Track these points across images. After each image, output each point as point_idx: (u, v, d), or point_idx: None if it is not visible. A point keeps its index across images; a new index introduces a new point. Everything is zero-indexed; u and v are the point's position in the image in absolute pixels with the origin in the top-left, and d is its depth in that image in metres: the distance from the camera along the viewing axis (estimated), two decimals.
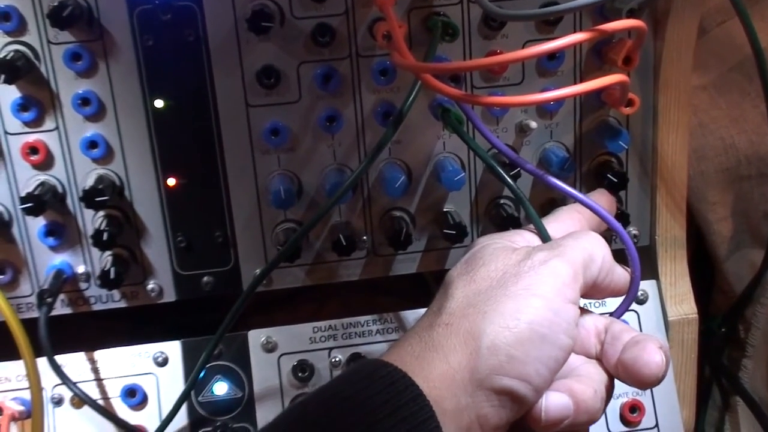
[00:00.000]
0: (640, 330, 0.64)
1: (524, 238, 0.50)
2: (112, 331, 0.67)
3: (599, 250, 0.47)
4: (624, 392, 0.63)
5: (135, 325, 0.69)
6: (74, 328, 0.64)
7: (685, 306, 0.64)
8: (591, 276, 0.47)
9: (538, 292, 0.44)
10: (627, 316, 0.64)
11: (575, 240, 0.47)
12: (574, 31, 0.58)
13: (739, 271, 0.72)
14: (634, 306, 0.64)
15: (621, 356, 0.46)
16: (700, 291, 0.74)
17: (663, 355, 0.45)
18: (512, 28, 0.58)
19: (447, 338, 0.44)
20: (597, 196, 0.57)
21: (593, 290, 0.48)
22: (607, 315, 0.50)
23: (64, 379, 0.58)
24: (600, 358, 0.47)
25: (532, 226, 0.51)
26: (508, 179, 0.53)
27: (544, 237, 0.50)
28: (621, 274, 0.49)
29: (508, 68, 0.59)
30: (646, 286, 0.64)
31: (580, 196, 0.51)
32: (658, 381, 0.45)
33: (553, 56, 0.59)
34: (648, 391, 0.63)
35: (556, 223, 0.52)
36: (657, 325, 0.64)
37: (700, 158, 0.69)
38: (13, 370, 0.61)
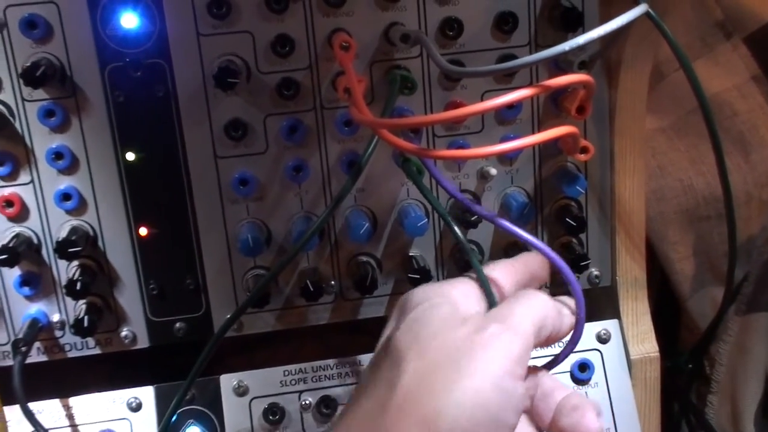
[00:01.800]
0: (604, 370, 0.65)
1: (465, 296, 0.50)
2: (89, 377, 0.68)
3: (549, 312, 0.48)
4: None
5: (113, 371, 0.70)
6: (53, 374, 0.65)
7: (647, 345, 0.66)
8: (542, 339, 0.48)
9: (490, 371, 0.44)
10: (590, 355, 0.65)
11: (526, 308, 0.47)
12: (531, 81, 0.61)
13: (703, 309, 0.73)
14: (597, 345, 0.66)
15: (560, 422, 0.47)
16: (668, 328, 0.76)
17: (601, 422, 0.47)
18: (471, 80, 0.60)
19: (400, 424, 0.43)
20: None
21: (542, 344, 0.49)
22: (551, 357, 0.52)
23: (37, 426, 0.59)
24: (528, 411, 0.49)
25: (472, 273, 0.52)
26: (457, 230, 0.54)
27: (488, 293, 0.50)
28: (568, 324, 0.50)
29: (468, 118, 0.61)
30: (608, 325, 0.66)
31: (533, 239, 0.52)
32: None
33: (511, 106, 0.61)
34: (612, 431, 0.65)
35: (502, 270, 0.53)
36: (620, 363, 0.65)
37: (660, 199, 0.71)
38: None
